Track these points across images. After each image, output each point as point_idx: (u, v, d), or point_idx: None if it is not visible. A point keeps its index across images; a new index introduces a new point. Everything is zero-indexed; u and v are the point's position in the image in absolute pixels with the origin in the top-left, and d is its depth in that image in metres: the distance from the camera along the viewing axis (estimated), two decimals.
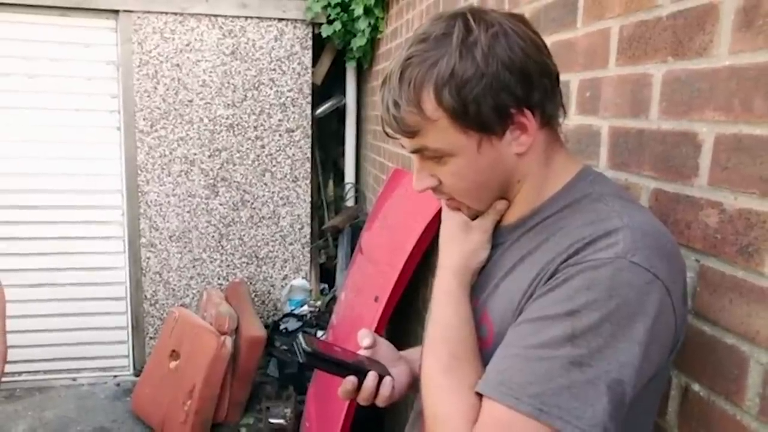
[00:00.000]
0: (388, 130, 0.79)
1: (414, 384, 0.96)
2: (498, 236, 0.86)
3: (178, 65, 3.56)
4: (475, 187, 0.81)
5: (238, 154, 3.74)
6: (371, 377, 0.89)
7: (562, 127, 0.84)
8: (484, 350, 0.77)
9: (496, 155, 0.77)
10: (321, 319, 3.46)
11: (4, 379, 1.74)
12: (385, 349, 0.98)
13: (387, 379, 0.91)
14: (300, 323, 3.51)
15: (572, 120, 1.25)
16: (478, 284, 0.86)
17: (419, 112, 0.74)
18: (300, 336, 0.89)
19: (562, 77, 1.29)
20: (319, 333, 3.37)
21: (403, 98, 0.74)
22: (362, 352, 0.95)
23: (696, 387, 0.89)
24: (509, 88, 0.72)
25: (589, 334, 0.65)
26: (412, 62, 0.73)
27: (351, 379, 0.88)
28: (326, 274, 4.04)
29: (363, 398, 0.89)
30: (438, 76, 0.71)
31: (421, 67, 0.72)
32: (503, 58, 0.71)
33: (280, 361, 3.34)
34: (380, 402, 0.90)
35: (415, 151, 0.80)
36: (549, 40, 1.37)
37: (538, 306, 0.70)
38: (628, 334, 0.65)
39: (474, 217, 0.86)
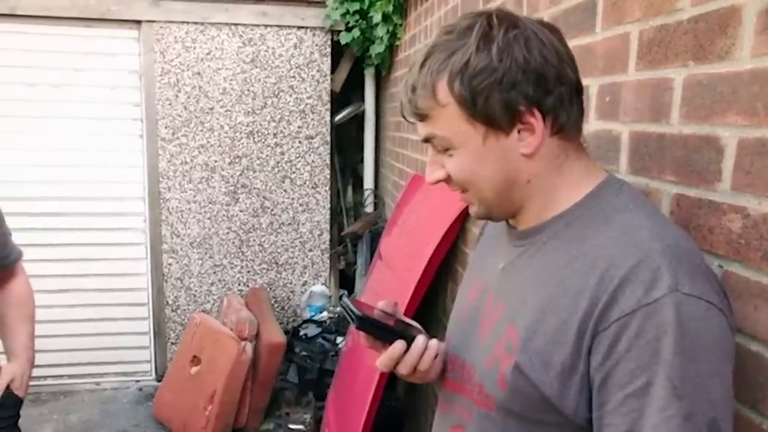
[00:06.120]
0: (404, 113, 0.83)
1: (443, 371, 0.95)
2: (516, 238, 0.86)
3: (199, 74, 3.61)
4: (479, 181, 0.81)
5: (258, 161, 3.77)
6: (421, 340, 0.86)
7: (582, 138, 0.83)
8: (508, 364, 0.76)
9: (500, 152, 0.78)
10: (340, 325, 3.47)
11: (29, 383, 1.77)
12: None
13: (432, 342, 0.87)
14: (319, 329, 3.52)
15: (592, 125, 1.25)
16: (500, 285, 0.85)
17: (432, 96, 0.77)
18: (347, 299, 0.87)
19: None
20: (339, 339, 3.38)
21: (420, 83, 0.78)
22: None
23: None
24: (520, 86, 0.74)
25: (684, 381, 0.63)
26: (434, 51, 0.77)
27: (401, 343, 0.85)
28: (346, 281, 4.05)
29: (408, 364, 0.85)
30: (453, 65, 0.75)
31: (440, 55, 0.76)
32: (517, 57, 0.73)
33: (300, 367, 3.34)
34: (423, 366, 0.86)
35: (426, 140, 0.82)
36: (568, 44, 1.36)
37: (624, 376, 0.66)
38: (710, 368, 0.65)
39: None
